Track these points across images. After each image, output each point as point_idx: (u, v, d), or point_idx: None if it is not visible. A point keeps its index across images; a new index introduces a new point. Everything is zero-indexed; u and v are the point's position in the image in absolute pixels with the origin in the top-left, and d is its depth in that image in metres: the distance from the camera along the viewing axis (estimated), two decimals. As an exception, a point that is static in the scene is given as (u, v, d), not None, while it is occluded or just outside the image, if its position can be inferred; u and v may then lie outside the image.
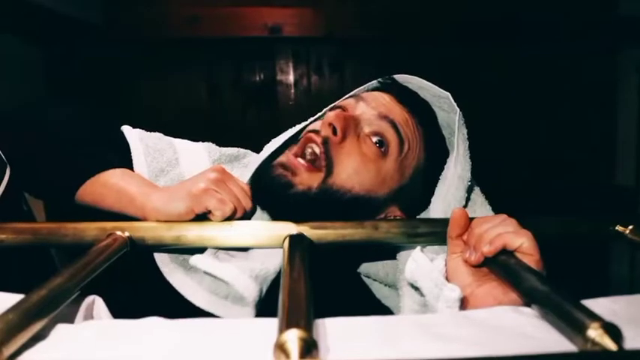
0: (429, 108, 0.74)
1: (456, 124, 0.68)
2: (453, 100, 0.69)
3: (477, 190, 0.72)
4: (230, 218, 0.63)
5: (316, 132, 0.67)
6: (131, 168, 0.71)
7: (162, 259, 0.67)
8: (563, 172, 1.85)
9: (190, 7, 1.68)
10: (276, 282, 0.64)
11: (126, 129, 0.76)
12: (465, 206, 0.68)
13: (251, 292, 0.61)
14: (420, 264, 0.60)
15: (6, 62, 1.45)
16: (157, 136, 0.78)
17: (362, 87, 0.79)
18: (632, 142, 1.73)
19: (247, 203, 0.66)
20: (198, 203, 0.61)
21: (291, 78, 1.81)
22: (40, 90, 1.69)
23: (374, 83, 0.79)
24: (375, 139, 0.67)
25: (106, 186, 0.65)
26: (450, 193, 0.66)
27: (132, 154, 0.73)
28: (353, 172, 0.65)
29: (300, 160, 0.66)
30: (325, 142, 0.65)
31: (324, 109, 0.74)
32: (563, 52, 1.78)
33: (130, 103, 1.76)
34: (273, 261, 0.64)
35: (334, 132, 0.65)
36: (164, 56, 1.75)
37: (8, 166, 0.62)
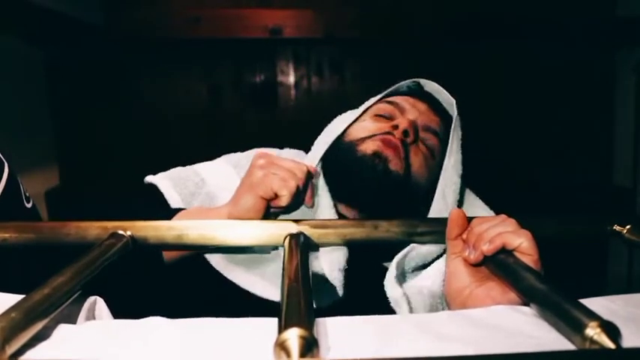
0: (450, 117, 0.82)
1: (453, 122, 0.77)
2: (455, 106, 0.79)
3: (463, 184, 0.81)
4: (296, 198, 0.66)
5: (390, 134, 0.74)
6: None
7: (219, 262, 0.71)
8: (560, 172, 1.86)
9: (191, 8, 1.68)
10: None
11: (149, 178, 0.82)
12: (462, 192, 0.78)
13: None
14: (390, 269, 0.66)
15: (7, 63, 1.45)
16: (179, 169, 0.83)
17: (392, 88, 0.87)
18: (630, 142, 1.74)
19: (302, 173, 0.68)
20: (264, 189, 0.64)
21: (291, 79, 1.81)
22: (41, 90, 1.69)
23: (403, 87, 0.89)
24: (426, 143, 0.78)
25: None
26: (447, 177, 0.75)
27: (163, 192, 0.78)
28: (419, 167, 0.75)
29: (389, 147, 0.72)
30: (404, 143, 0.74)
31: (363, 107, 0.83)
32: (561, 52, 1.78)
33: (130, 103, 1.77)
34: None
35: (406, 135, 0.74)
36: (165, 57, 1.75)
37: (6, 164, 0.62)
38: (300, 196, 0.70)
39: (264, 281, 0.69)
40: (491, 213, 0.78)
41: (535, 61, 1.79)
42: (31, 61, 1.64)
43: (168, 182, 0.80)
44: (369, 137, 0.75)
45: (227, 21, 1.66)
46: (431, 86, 0.86)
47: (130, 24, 1.64)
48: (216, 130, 1.77)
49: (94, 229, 0.60)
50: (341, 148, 0.77)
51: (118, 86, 1.75)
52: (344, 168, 0.74)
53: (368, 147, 0.73)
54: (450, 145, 0.76)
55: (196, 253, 0.70)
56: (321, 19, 1.67)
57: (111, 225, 0.60)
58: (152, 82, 1.76)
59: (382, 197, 0.72)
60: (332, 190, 0.75)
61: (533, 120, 1.83)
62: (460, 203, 0.77)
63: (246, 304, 0.65)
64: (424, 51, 1.74)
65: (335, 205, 0.74)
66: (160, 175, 0.82)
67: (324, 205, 0.73)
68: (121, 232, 0.59)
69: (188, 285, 0.73)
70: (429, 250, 0.68)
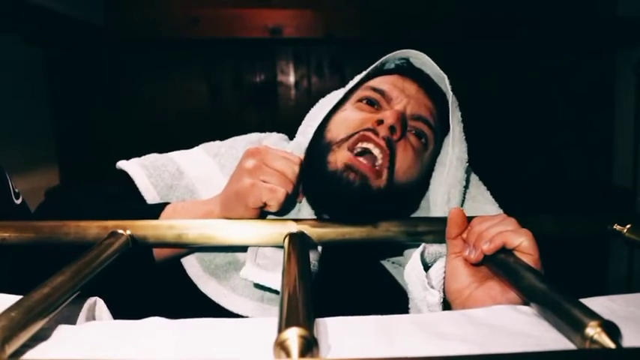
0: (444, 95, 0.75)
1: (450, 106, 0.71)
2: (448, 83, 0.72)
3: (470, 171, 0.75)
4: (287, 201, 0.63)
5: (372, 131, 0.66)
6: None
7: (195, 272, 0.68)
8: (561, 172, 1.86)
9: (191, 8, 1.68)
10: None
11: (122, 164, 0.76)
12: (466, 187, 0.71)
13: None
14: (413, 266, 0.62)
15: (7, 63, 1.45)
16: (154, 156, 0.77)
17: (378, 62, 0.79)
18: (630, 142, 1.74)
19: (294, 175, 0.63)
20: (253, 201, 0.61)
21: (291, 79, 1.81)
22: (41, 90, 1.69)
23: (391, 64, 0.82)
24: (417, 134, 0.70)
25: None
26: (451, 174, 0.69)
27: (138, 186, 0.72)
28: (407, 166, 0.68)
29: (362, 160, 0.65)
30: (389, 142, 0.65)
31: (348, 87, 0.76)
32: (562, 52, 1.78)
33: (130, 103, 1.77)
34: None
35: (393, 131, 0.66)
36: (165, 57, 1.76)
37: None
38: (292, 199, 0.66)
39: (234, 295, 0.67)
40: (500, 210, 0.72)
41: (535, 61, 1.79)
42: (31, 61, 1.64)
43: (142, 171, 0.73)
44: (347, 139, 0.66)
45: (227, 21, 1.66)
46: (420, 59, 0.79)
47: (130, 24, 1.64)
48: (217, 130, 1.75)
49: (94, 228, 0.60)
50: (317, 151, 0.69)
51: (118, 86, 1.75)
52: (317, 180, 0.66)
53: (338, 158, 0.65)
54: (451, 131, 0.69)
55: (186, 252, 0.68)
56: (321, 19, 1.67)
57: (110, 224, 0.60)
58: (152, 82, 1.76)
59: (364, 212, 0.64)
60: (309, 200, 0.69)
61: (533, 120, 1.83)
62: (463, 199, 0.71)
63: (221, 314, 0.63)
64: (424, 51, 1.74)
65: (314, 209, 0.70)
66: (134, 161, 0.75)
67: (305, 214, 0.69)
68: (120, 231, 0.59)
69: (163, 289, 0.69)
70: (436, 249, 0.65)
